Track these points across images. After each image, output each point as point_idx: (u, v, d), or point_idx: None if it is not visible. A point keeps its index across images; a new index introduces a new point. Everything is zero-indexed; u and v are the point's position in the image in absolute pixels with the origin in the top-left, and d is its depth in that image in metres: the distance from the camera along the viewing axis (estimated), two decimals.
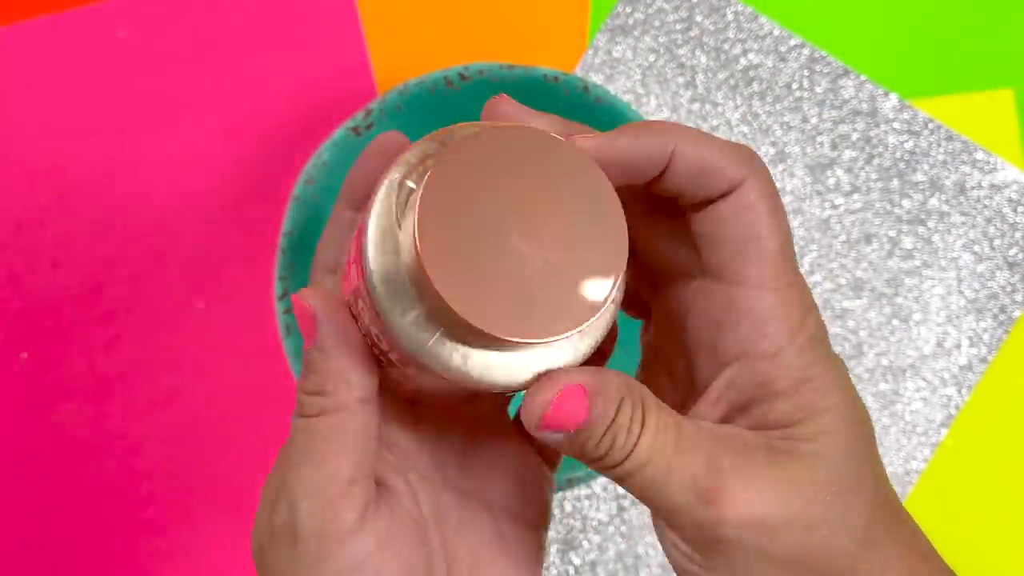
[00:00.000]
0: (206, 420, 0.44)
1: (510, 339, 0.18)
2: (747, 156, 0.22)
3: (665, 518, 0.21)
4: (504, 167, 0.19)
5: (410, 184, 0.20)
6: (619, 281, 0.19)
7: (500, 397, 0.24)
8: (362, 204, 0.26)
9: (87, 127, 0.46)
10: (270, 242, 0.45)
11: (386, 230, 0.20)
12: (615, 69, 0.46)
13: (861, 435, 0.21)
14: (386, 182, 0.20)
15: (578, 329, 0.19)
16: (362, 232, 0.20)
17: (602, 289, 0.19)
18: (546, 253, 0.19)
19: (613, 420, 0.20)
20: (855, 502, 0.21)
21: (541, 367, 0.21)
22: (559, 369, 0.21)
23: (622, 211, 0.20)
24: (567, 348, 0.21)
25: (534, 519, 0.26)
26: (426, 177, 0.19)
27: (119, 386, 0.44)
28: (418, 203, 0.18)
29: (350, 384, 0.22)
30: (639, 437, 0.21)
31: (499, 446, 0.26)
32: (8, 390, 0.44)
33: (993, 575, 0.43)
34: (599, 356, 0.25)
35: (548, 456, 0.27)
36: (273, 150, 0.46)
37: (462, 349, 0.20)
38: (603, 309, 0.19)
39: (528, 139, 0.19)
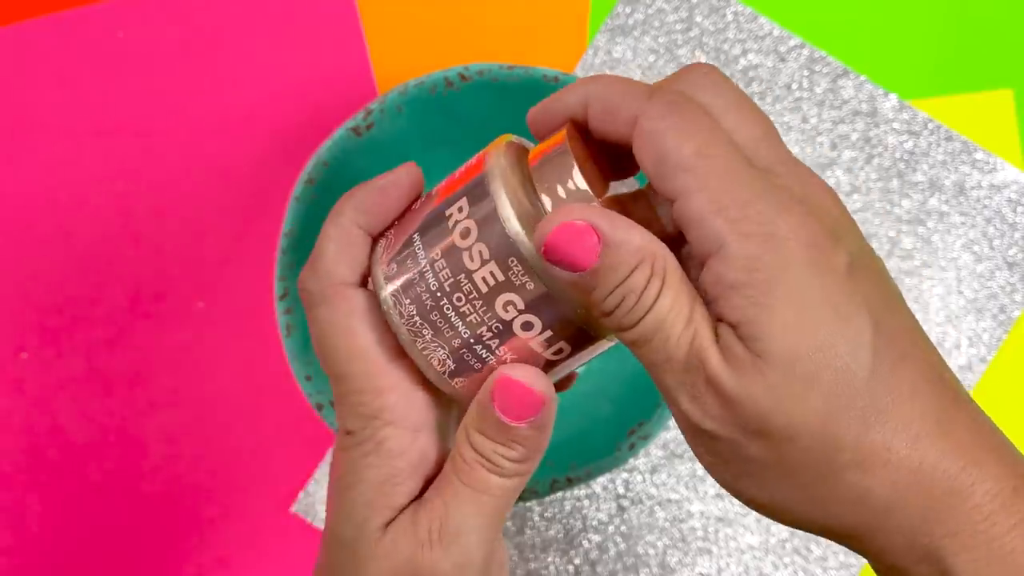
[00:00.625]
0: (206, 420, 0.44)
1: None
2: (643, 90, 0.22)
3: (666, 399, 0.22)
4: (584, 155, 0.23)
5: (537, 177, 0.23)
6: None
7: None
8: (379, 229, 0.26)
9: (87, 127, 0.46)
10: (270, 242, 0.45)
11: (525, 213, 0.22)
12: (615, 69, 0.46)
13: (835, 326, 0.20)
14: (499, 181, 0.23)
15: None
16: (490, 222, 0.22)
17: None
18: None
19: (624, 280, 0.21)
20: (840, 411, 0.20)
21: None
22: (588, 204, 0.22)
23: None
24: None
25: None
26: (574, 164, 0.22)
27: (119, 386, 0.44)
28: (581, 179, 0.22)
29: (543, 452, 0.25)
30: (651, 308, 0.21)
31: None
32: (8, 390, 0.44)
33: None
34: None
35: None
36: (273, 150, 0.46)
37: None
38: None
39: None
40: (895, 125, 0.46)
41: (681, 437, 0.43)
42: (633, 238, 0.21)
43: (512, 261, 0.22)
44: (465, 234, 0.23)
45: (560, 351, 0.24)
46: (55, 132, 0.46)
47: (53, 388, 0.44)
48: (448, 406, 0.27)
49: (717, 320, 0.21)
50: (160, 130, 0.46)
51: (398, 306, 0.24)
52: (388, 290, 0.24)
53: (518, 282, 0.23)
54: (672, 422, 0.44)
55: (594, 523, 0.43)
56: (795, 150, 0.45)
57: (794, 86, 0.46)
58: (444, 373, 0.24)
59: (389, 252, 0.25)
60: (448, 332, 0.24)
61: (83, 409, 0.44)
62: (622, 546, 0.43)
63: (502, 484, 0.24)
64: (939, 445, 0.20)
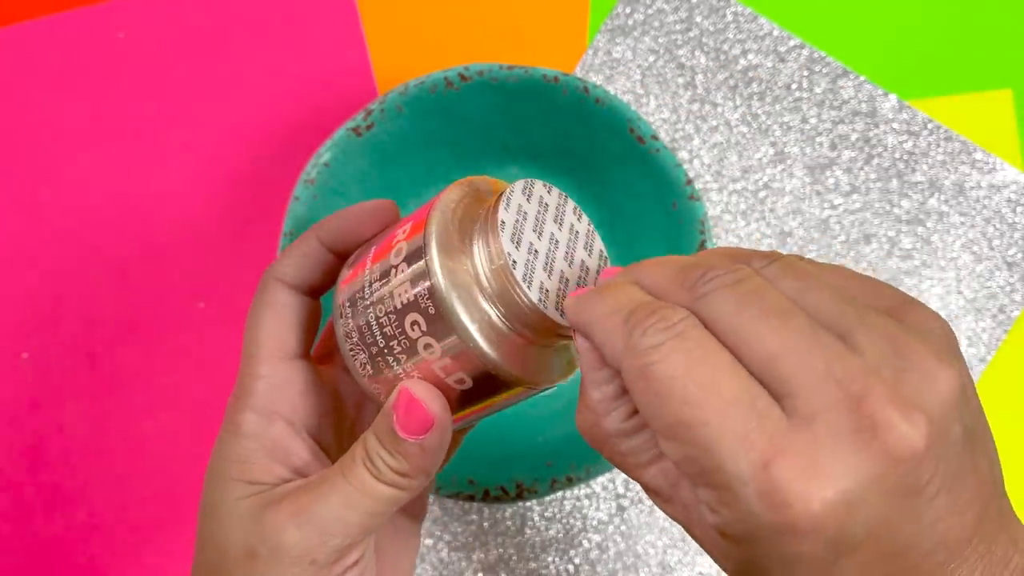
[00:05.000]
0: (206, 420, 0.44)
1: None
2: (619, 329, 0.21)
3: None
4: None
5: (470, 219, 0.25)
6: None
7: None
8: (339, 247, 0.28)
9: (87, 127, 0.46)
10: (270, 242, 0.45)
11: (452, 249, 0.24)
12: (615, 70, 0.46)
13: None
14: (438, 215, 0.25)
15: None
16: (421, 253, 0.24)
17: None
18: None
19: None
20: None
21: (557, 369, 0.26)
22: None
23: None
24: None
25: (416, 512, 0.31)
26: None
27: (119, 386, 0.44)
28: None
29: (429, 476, 0.25)
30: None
31: None
32: (9, 390, 0.44)
33: None
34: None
35: None
36: (273, 150, 0.46)
37: (508, 340, 0.24)
38: None
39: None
40: (895, 125, 0.46)
41: None
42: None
43: (424, 283, 0.24)
44: (400, 269, 0.25)
45: (462, 381, 0.25)
46: (55, 132, 0.46)
47: (53, 388, 0.44)
48: (342, 418, 0.29)
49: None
50: (160, 130, 0.46)
51: (343, 314, 0.26)
52: (339, 299, 0.27)
53: (423, 304, 0.24)
54: None
55: (594, 523, 0.43)
56: (794, 150, 0.46)
57: (794, 86, 0.46)
58: (364, 376, 0.26)
59: (349, 269, 0.27)
60: (369, 339, 0.26)
61: (83, 409, 0.44)
62: (622, 545, 0.43)
63: (376, 487, 0.25)
64: None
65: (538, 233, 0.25)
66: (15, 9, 0.47)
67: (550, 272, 0.24)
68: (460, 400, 0.25)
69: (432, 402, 0.24)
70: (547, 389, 0.26)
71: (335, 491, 0.25)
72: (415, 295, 0.24)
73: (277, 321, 0.28)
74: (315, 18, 0.47)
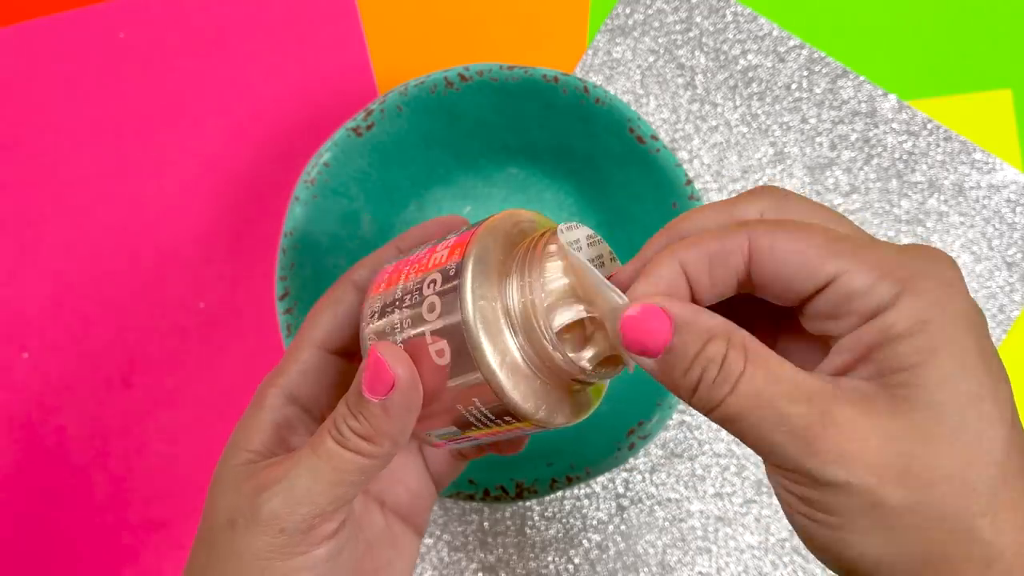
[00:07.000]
0: (206, 420, 0.44)
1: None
2: (737, 226, 0.23)
3: (774, 464, 0.22)
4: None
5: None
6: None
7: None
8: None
9: (88, 127, 0.46)
10: (270, 242, 0.45)
11: (488, 282, 0.24)
12: (615, 70, 0.46)
13: (989, 383, 0.21)
14: (479, 243, 0.25)
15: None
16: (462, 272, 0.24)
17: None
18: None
19: (699, 352, 0.22)
20: (980, 458, 0.20)
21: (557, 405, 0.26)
22: (653, 294, 0.23)
23: None
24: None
25: (418, 526, 0.32)
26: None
27: (119, 386, 0.44)
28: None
29: (395, 443, 0.25)
30: (739, 379, 0.21)
31: (402, 460, 0.31)
32: (9, 389, 0.44)
33: None
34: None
35: (437, 476, 0.32)
36: (273, 150, 0.46)
37: (528, 379, 0.24)
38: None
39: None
40: (894, 125, 0.46)
41: (681, 436, 0.44)
42: (704, 316, 0.22)
43: (454, 316, 0.24)
44: (432, 294, 0.25)
45: (441, 352, 0.25)
46: (55, 132, 0.46)
47: (53, 388, 0.44)
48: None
49: (846, 367, 0.22)
50: (160, 130, 0.46)
51: (370, 325, 0.27)
52: (367, 309, 0.28)
53: (449, 265, 0.25)
54: (671, 422, 0.44)
55: (594, 522, 0.43)
56: (794, 150, 0.46)
57: (793, 86, 0.46)
58: (368, 326, 0.27)
59: (383, 281, 0.28)
60: (389, 288, 0.27)
61: (83, 409, 0.44)
62: (622, 545, 0.43)
63: (340, 454, 0.25)
64: None
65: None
66: (15, 9, 0.47)
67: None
68: (430, 369, 0.25)
69: (396, 363, 0.25)
70: (556, 428, 0.26)
71: (302, 461, 0.25)
72: (443, 325, 0.24)
73: (333, 317, 0.30)
74: (315, 18, 0.47)
